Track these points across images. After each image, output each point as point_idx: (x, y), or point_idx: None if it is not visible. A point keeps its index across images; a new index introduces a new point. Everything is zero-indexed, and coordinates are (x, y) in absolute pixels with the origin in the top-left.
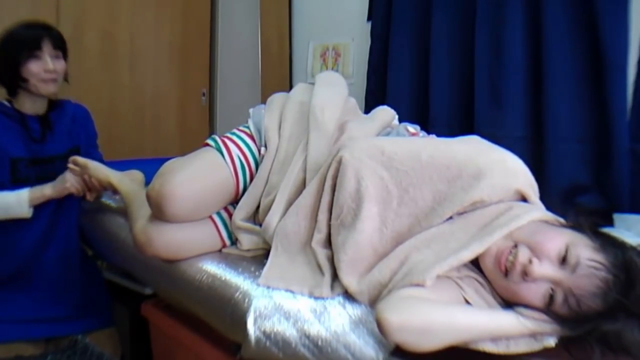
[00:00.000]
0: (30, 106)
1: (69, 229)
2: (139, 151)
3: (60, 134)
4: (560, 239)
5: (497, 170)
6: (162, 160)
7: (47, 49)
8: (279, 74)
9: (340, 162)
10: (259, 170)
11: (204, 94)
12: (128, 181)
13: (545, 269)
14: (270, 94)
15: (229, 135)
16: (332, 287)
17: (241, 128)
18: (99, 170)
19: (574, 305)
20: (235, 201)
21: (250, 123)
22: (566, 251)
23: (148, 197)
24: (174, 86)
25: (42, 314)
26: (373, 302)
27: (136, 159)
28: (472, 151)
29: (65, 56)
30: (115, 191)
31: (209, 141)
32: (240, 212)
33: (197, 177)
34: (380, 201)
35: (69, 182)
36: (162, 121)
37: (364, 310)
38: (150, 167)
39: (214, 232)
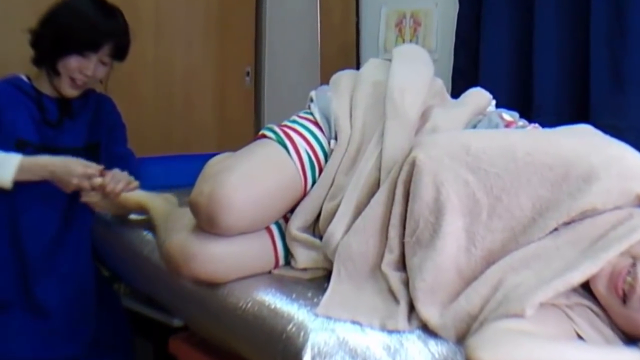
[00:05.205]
0: (49, 87)
1: (81, 240)
2: (165, 145)
3: (81, 125)
4: None
5: (614, 170)
6: (196, 158)
7: (101, 53)
8: (343, 48)
9: (413, 165)
10: (325, 168)
11: (248, 74)
12: (161, 201)
13: None
14: (332, 73)
15: (289, 124)
16: (409, 318)
17: (304, 115)
18: (126, 197)
19: None
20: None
21: (315, 109)
22: None
23: (195, 206)
24: (211, 63)
25: (51, 352)
26: (461, 338)
27: (162, 155)
28: (581, 146)
29: (120, 60)
30: (145, 211)
31: (266, 132)
32: (298, 220)
33: (257, 177)
34: (466, 213)
35: (75, 178)
36: (195, 107)
37: (450, 348)
38: (180, 165)
39: (269, 245)
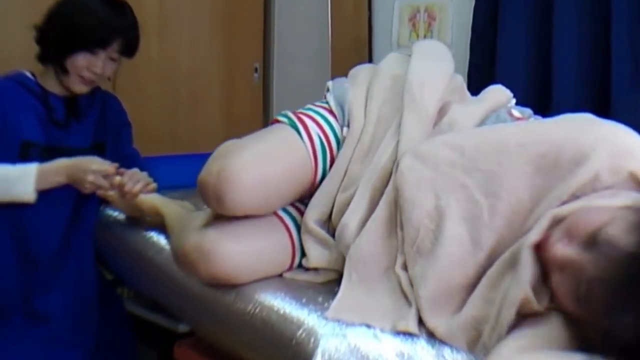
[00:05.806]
0: (56, 85)
1: (85, 244)
2: (171, 144)
3: (87, 124)
4: (603, 216)
5: (603, 148)
6: (203, 157)
7: (110, 50)
8: (355, 44)
9: (403, 174)
10: (337, 158)
11: (256, 70)
12: (177, 207)
13: (563, 248)
14: (343, 69)
15: (303, 110)
16: (420, 321)
17: (319, 103)
18: (142, 200)
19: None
20: (309, 195)
21: (331, 98)
22: (600, 230)
23: (204, 185)
24: (217, 59)
25: (53, 359)
26: (472, 344)
27: (167, 154)
28: (573, 130)
29: (129, 56)
30: (159, 216)
31: (280, 117)
32: (314, 212)
33: (266, 157)
34: (467, 217)
35: (90, 178)
36: (201, 105)
37: (466, 356)
38: (186, 165)
39: (286, 240)
